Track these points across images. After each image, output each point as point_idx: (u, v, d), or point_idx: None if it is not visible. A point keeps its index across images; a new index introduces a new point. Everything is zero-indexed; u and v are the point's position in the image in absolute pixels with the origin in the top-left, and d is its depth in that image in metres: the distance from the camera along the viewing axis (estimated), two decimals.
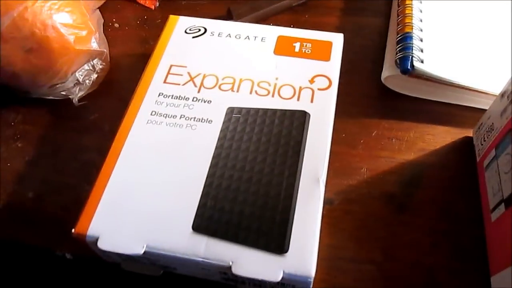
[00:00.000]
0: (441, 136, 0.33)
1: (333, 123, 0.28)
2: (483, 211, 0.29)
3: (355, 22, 0.40)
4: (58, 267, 0.29)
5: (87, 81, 0.34)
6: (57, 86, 0.33)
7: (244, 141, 0.26)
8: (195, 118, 0.28)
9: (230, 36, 0.32)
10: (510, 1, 0.37)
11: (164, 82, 0.30)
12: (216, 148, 0.26)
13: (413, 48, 0.33)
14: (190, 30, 0.32)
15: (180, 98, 0.29)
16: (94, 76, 0.35)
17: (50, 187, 0.31)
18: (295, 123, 0.27)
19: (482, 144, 0.31)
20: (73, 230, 0.24)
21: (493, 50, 0.34)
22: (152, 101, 0.29)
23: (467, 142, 0.32)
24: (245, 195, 0.24)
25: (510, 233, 0.25)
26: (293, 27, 0.40)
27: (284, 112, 0.27)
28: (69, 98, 0.34)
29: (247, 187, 0.25)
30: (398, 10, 0.36)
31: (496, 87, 0.32)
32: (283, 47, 0.31)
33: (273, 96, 0.28)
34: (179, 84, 0.29)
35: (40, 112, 0.35)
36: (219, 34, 0.32)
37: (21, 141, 0.34)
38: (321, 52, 0.31)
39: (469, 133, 0.33)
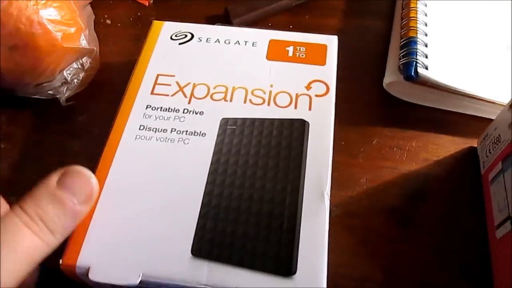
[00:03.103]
0: (445, 146, 0.31)
1: (333, 131, 0.26)
2: (488, 227, 0.28)
3: (356, 24, 0.39)
4: (41, 279, 0.27)
5: (75, 80, 0.33)
6: (44, 85, 0.32)
7: (241, 155, 0.25)
8: (187, 131, 0.26)
9: (219, 42, 0.30)
10: None
11: (152, 93, 0.28)
12: (212, 163, 0.24)
13: (418, 53, 0.31)
14: (176, 36, 0.30)
15: (170, 110, 0.27)
16: (83, 75, 0.33)
17: None
18: (294, 133, 0.25)
19: (487, 156, 0.29)
20: (60, 262, 0.22)
21: (501, 58, 0.33)
22: (139, 114, 0.27)
23: (471, 153, 0.31)
24: (247, 214, 0.23)
25: None
26: (291, 28, 0.39)
27: (282, 121, 0.26)
28: (56, 98, 0.32)
29: (249, 205, 0.23)
30: (402, 13, 0.35)
31: (503, 96, 0.31)
32: (276, 52, 0.29)
33: (269, 104, 0.27)
34: (167, 95, 0.27)
35: (25, 112, 0.33)
36: (207, 40, 0.30)
37: (4, 142, 0.32)
38: (316, 56, 0.29)
39: (474, 143, 0.32)
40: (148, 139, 0.25)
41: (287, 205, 0.23)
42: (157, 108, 0.27)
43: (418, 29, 0.33)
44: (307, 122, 0.26)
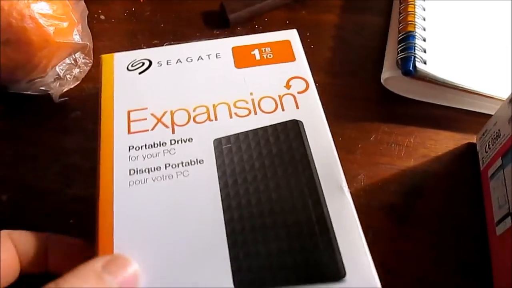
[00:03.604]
0: (443, 142, 0.31)
1: (329, 127, 0.25)
2: (487, 223, 0.27)
3: (354, 20, 0.38)
4: (36, 279, 0.27)
5: (68, 76, 0.32)
6: (36, 81, 0.31)
7: (248, 172, 0.23)
8: (182, 162, 0.23)
9: (180, 62, 0.28)
10: None
11: (129, 132, 0.25)
12: (221, 189, 0.23)
13: (416, 48, 0.31)
14: (132, 66, 0.27)
15: (156, 145, 0.24)
16: (76, 71, 0.33)
17: (27, 190, 0.29)
18: (291, 135, 0.24)
19: (486, 152, 0.29)
20: None
21: (500, 52, 0.32)
22: (124, 158, 0.24)
23: (470, 149, 0.31)
24: (275, 229, 0.22)
25: None
26: (288, 23, 0.38)
27: (275, 127, 0.25)
28: (49, 94, 0.32)
29: (273, 220, 0.22)
30: (400, 8, 0.34)
31: (502, 91, 0.30)
32: (243, 59, 0.28)
33: (255, 113, 0.25)
34: (147, 130, 0.25)
35: (17, 109, 0.33)
36: (167, 62, 0.28)
37: None
38: (283, 53, 0.28)
39: (473, 139, 0.31)
40: (144, 182, 0.23)
41: (312, 208, 0.22)
42: (141, 146, 0.24)
43: (416, 23, 0.32)
44: (300, 121, 0.25)
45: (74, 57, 0.32)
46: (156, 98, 0.26)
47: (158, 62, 0.28)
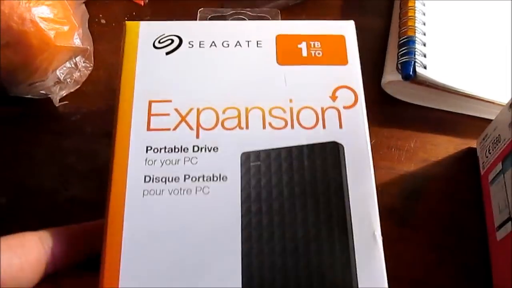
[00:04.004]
0: (443, 146, 0.31)
1: (371, 152, 0.22)
2: (488, 227, 0.27)
3: (354, 23, 0.38)
4: None
5: (68, 80, 0.32)
6: (36, 84, 0.31)
7: (274, 199, 0.20)
8: (203, 176, 0.21)
9: (215, 45, 0.24)
10: None
11: (148, 129, 0.22)
12: (243, 215, 0.20)
13: (416, 52, 0.31)
14: (160, 42, 0.24)
15: (177, 150, 0.21)
16: (77, 74, 0.33)
17: (26, 192, 0.29)
18: (329, 161, 0.21)
19: (487, 156, 0.29)
20: None
21: (500, 57, 0.32)
22: (140, 161, 0.21)
23: (471, 153, 0.31)
24: (296, 270, 0.19)
25: None
26: None
27: (312, 147, 0.21)
28: (49, 97, 0.32)
29: (296, 260, 0.20)
30: (400, 12, 0.34)
31: (503, 96, 0.30)
32: (288, 53, 0.24)
33: (292, 127, 0.22)
34: (169, 129, 0.22)
35: (17, 112, 0.33)
36: (200, 44, 0.24)
37: None
38: (334, 53, 0.24)
39: (473, 143, 0.31)
40: (159, 194, 0.20)
41: (338, 255, 0.19)
42: (160, 149, 0.21)
43: (416, 28, 0.32)
44: (341, 145, 0.21)
45: (74, 60, 0.32)
46: (183, 90, 0.23)
47: (189, 42, 0.24)
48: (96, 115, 0.28)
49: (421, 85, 0.31)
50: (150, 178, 0.21)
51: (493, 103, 0.30)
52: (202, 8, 0.29)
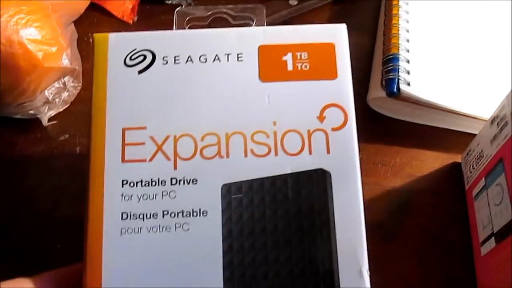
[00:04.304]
0: (429, 162, 0.32)
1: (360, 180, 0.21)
2: (473, 242, 0.28)
3: None
4: None
5: (57, 100, 0.32)
6: (25, 104, 0.31)
7: (257, 235, 0.20)
8: (182, 212, 0.20)
9: (191, 61, 0.22)
10: (502, 24, 0.36)
11: (123, 160, 0.20)
12: (224, 253, 0.19)
13: (399, 70, 0.31)
14: (131, 59, 0.22)
15: (154, 183, 0.20)
16: (65, 94, 0.33)
17: (16, 212, 0.29)
18: (314, 191, 0.20)
19: (470, 172, 0.29)
20: None
21: (483, 73, 0.33)
22: (116, 196, 0.20)
23: (456, 168, 0.31)
24: None
25: (500, 269, 0.24)
26: None
27: (297, 176, 0.20)
28: (38, 117, 0.32)
29: None
30: (384, 30, 0.35)
31: (486, 112, 0.31)
32: (271, 67, 0.22)
33: (276, 153, 0.20)
34: (145, 160, 0.20)
35: (6, 132, 0.33)
36: (175, 60, 0.22)
37: None
38: (323, 64, 0.22)
39: (458, 158, 0.32)
40: (137, 232, 0.20)
41: None
42: (136, 183, 0.20)
43: (400, 45, 0.33)
44: (328, 173, 0.20)
45: (63, 81, 0.32)
46: (157, 115, 0.21)
47: (163, 58, 0.22)
48: (85, 135, 0.28)
49: (405, 101, 0.31)
50: (127, 215, 0.20)
51: (476, 118, 0.31)
52: (178, 8, 0.27)
